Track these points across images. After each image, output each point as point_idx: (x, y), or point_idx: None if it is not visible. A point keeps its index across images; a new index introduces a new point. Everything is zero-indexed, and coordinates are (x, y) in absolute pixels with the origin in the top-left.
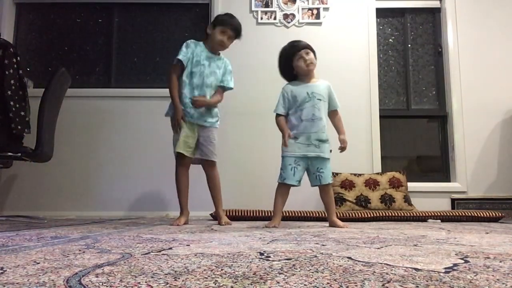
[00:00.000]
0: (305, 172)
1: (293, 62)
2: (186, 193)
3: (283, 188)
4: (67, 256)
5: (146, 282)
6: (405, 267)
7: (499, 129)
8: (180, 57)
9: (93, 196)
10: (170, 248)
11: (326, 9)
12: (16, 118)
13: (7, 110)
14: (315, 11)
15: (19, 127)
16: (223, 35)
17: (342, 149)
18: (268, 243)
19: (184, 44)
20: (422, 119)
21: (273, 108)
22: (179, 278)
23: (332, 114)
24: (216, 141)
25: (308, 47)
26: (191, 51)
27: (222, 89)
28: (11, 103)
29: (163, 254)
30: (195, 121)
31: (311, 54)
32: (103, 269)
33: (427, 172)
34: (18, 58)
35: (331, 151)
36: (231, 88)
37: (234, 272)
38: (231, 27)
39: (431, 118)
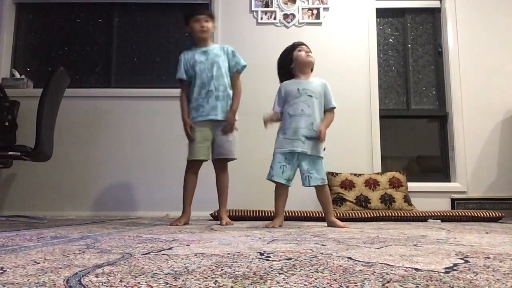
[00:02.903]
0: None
1: (293, 54)
2: (191, 194)
3: (280, 188)
4: (67, 256)
5: (146, 282)
6: (405, 267)
7: (499, 129)
8: (177, 75)
9: (93, 196)
10: (170, 248)
11: (326, 9)
12: None
13: None
14: (315, 11)
15: None
16: (198, 23)
17: (319, 137)
18: (268, 243)
19: (179, 60)
20: (422, 119)
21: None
22: (179, 278)
23: (328, 111)
24: (234, 137)
25: (308, 47)
26: (184, 61)
27: (237, 73)
28: None
29: (163, 254)
30: (207, 118)
31: (311, 52)
32: (103, 269)
33: (427, 172)
34: None
35: (324, 149)
36: (244, 66)
37: (234, 272)
38: (198, 12)
39: (431, 118)
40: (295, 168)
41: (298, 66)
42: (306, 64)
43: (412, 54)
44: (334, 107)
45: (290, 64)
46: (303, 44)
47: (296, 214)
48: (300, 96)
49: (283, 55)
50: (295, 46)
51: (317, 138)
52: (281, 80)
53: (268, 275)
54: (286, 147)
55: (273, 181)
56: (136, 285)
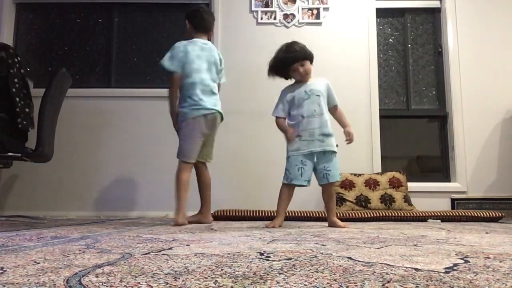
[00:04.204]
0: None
1: (289, 72)
2: (202, 193)
3: (288, 189)
4: (67, 256)
5: (146, 282)
6: (405, 267)
7: (499, 129)
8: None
9: (93, 196)
10: (170, 248)
11: (326, 9)
12: (21, 114)
13: (14, 106)
14: (315, 11)
15: (24, 122)
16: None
17: (349, 141)
18: (268, 243)
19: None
20: (422, 119)
21: (274, 108)
22: (179, 278)
23: (332, 109)
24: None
25: (303, 58)
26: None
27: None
28: (17, 99)
29: (163, 254)
30: (209, 111)
31: (306, 64)
32: (103, 269)
33: (427, 172)
34: (19, 58)
35: (337, 145)
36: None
37: (234, 272)
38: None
39: (431, 118)
40: (312, 168)
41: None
42: (304, 78)
43: (412, 54)
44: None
45: (287, 72)
46: (295, 61)
47: (296, 214)
48: (309, 97)
49: (278, 67)
50: (287, 65)
51: (348, 142)
52: (277, 75)
53: (268, 275)
54: (304, 149)
55: (293, 185)
56: (136, 285)
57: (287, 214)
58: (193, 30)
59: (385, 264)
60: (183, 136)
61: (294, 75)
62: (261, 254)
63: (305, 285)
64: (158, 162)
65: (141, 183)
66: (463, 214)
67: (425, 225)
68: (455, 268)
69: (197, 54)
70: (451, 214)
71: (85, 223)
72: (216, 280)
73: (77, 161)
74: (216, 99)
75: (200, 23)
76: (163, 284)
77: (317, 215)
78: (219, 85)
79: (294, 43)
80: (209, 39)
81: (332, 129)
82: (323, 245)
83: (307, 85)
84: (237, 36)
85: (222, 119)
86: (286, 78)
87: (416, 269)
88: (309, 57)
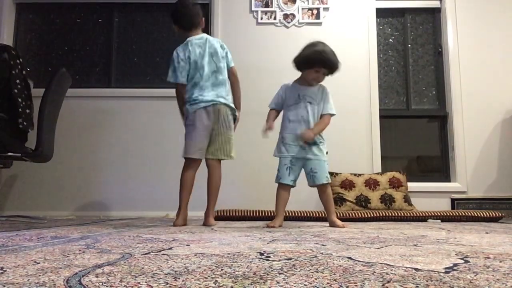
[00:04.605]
0: (303, 172)
1: (308, 68)
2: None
3: (283, 188)
4: (67, 256)
5: (146, 282)
6: (405, 267)
7: (499, 129)
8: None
9: (93, 196)
10: (170, 248)
11: (326, 9)
12: (23, 114)
13: (16, 106)
14: (315, 11)
15: (25, 123)
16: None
17: (300, 136)
18: (268, 243)
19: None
20: (422, 119)
21: None
22: (179, 278)
23: (322, 117)
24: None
25: (331, 69)
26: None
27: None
28: (19, 100)
29: (163, 254)
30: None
31: (324, 77)
32: (103, 269)
33: (427, 172)
34: (21, 60)
35: (327, 153)
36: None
37: (234, 272)
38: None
39: (431, 118)
40: (300, 169)
41: (303, 79)
42: (309, 83)
43: (412, 54)
44: (333, 114)
45: (302, 66)
46: (324, 66)
47: (296, 214)
48: (299, 102)
49: (303, 59)
50: (313, 65)
51: (299, 138)
52: (295, 66)
53: (268, 275)
54: (286, 153)
55: (281, 183)
56: (136, 285)
57: (287, 214)
58: (183, 31)
59: (385, 264)
60: (185, 132)
61: (308, 74)
62: (261, 254)
63: (305, 285)
64: (158, 162)
65: (141, 183)
66: (463, 214)
67: (425, 225)
68: (455, 268)
69: (197, 53)
70: (451, 214)
71: (85, 223)
72: (216, 280)
73: (77, 161)
74: (219, 91)
75: (184, 21)
76: (163, 284)
77: (317, 215)
78: (230, 71)
79: (331, 49)
80: (202, 29)
81: (324, 137)
82: (323, 245)
83: (302, 89)
84: (237, 36)
85: (234, 112)
86: (300, 70)
87: (416, 269)
88: (333, 70)
